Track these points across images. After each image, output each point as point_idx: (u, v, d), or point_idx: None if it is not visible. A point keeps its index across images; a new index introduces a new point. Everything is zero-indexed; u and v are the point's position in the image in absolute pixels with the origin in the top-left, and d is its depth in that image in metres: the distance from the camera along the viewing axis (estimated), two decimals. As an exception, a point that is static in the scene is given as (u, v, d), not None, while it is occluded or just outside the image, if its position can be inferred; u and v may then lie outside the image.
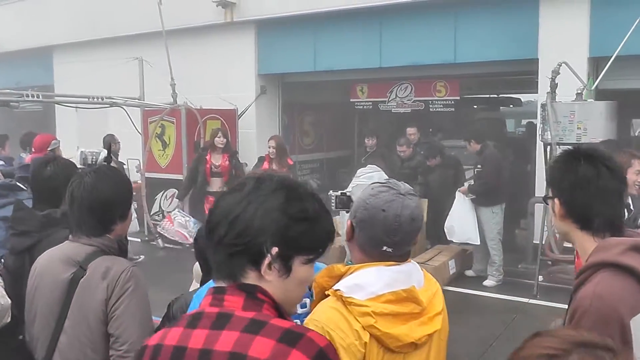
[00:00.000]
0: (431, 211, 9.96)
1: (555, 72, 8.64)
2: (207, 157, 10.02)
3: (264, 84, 13.30)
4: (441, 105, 12.48)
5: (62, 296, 2.69)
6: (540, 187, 10.06)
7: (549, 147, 8.79)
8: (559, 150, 8.54)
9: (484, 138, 9.79)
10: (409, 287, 2.26)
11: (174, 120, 11.76)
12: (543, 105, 8.77)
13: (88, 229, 2.77)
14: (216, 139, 10.02)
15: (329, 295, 2.26)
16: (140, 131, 11.92)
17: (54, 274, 2.74)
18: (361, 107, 13.59)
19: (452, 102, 12.38)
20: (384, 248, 2.28)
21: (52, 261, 2.79)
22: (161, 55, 11.79)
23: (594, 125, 8.37)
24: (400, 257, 2.33)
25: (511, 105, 17.20)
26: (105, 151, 3.92)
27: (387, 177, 9.30)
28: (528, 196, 11.51)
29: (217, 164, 10.00)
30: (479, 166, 9.56)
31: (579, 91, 8.76)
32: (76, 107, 12.27)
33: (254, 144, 12.81)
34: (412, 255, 2.44)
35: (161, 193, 11.91)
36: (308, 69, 12.63)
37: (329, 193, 2.81)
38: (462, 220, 9.39)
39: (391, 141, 12.46)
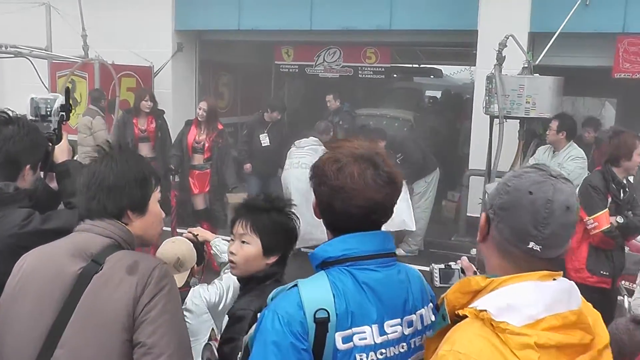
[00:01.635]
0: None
1: (502, 45, 8.66)
2: (134, 121, 9.37)
3: (181, 40, 12.66)
4: (371, 72, 12.37)
5: (62, 296, 2.15)
6: (476, 159, 10.14)
7: (494, 120, 8.85)
8: (505, 123, 8.63)
9: (382, 134, 9.75)
10: (576, 309, 1.80)
11: (86, 76, 11.03)
12: (489, 78, 8.77)
13: (105, 214, 2.29)
14: (142, 102, 9.33)
15: (464, 316, 1.80)
16: (47, 86, 11.08)
17: (53, 268, 2.21)
18: (286, 70, 13.27)
19: (382, 70, 12.28)
20: (531, 244, 1.81)
21: (52, 254, 2.27)
22: (71, 2, 10.98)
23: (542, 100, 8.45)
24: (550, 263, 1.87)
25: (431, 76, 17.35)
26: (62, 97, 3.32)
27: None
28: (458, 168, 11.67)
29: (143, 128, 9.37)
30: (398, 156, 9.45)
31: (525, 65, 8.83)
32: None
33: (169, 106, 12.17)
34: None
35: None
36: (231, 27, 12.10)
37: (430, 266, 2.39)
38: (399, 211, 9.30)
39: (316, 107, 12.29)
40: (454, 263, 2.42)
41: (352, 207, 2.02)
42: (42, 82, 10.82)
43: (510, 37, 8.69)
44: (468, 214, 10.18)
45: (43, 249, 2.31)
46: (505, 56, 8.64)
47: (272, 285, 2.58)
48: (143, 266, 2.18)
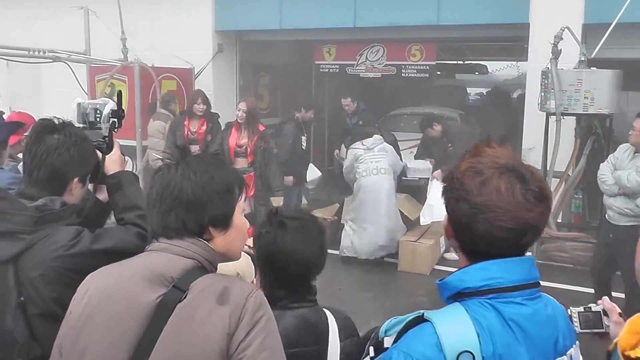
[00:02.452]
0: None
1: (558, 37, 8.29)
2: (185, 123, 9.19)
3: (221, 41, 12.46)
4: (414, 71, 12.03)
5: (139, 329, 1.82)
6: (530, 159, 9.69)
7: (550, 117, 8.47)
8: (564, 120, 8.24)
9: (440, 119, 9.41)
10: None
11: (126, 79, 10.84)
12: (545, 73, 8.38)
13: (184, 231, 1.95)
14: (195, 105, 9.21)
15: (636, 358, 1.61)
16: (86, 91, 10.94)
17: (126, 295, 1.88)
18: (326, 70, 12.99)
19: (427, 68, 11.93)
20: None
21: (123, 277, 1.93)
22: (110, 5, 10.83)
23: (601, 95, 8.04)
24: None
25: (476, 73, 16.96)
26: (112, 102, 3.01)
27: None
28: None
29: (193, 130, 9.20)
30: (450, 145, 9.13)
31: (582, 58, 8.43)
32: (11, 60, 11.04)
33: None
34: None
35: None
36: (272, 26, 11.86)
37: (569, 310, 2.04)
38: (439, 197, 8.94)
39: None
40: (594, 305, 2.13)
41: (498, 229, 1.70)
42: (81, 87, 10.68)
43: (565, 29, 8.30)
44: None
45: (112, 270, 1.98)
46: (561, 49, 8.26)
47: None
48: (235, 294, 1.85)
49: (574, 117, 8.51)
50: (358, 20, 11.18)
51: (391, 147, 8.85)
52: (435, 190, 8.91)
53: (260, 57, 13.59)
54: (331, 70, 13.00)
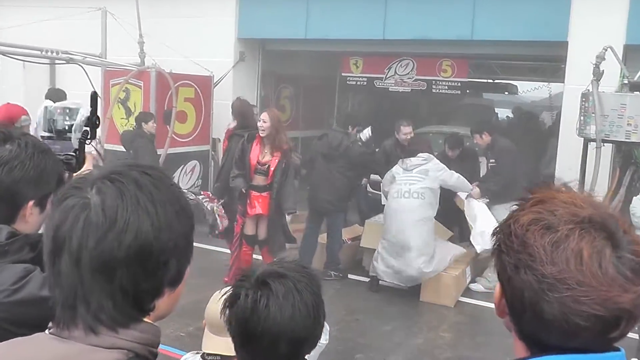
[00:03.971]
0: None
1: (601, 58, 7.76)
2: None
3: (243, 49, 12.03)
4: (445, 87, 11.55)
5: None
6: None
7: (589, 143, 7.90)
8: (603, 148, 7.68)
9: (493, 129, 8.83)
10: None
11: (142, 85, 10.42)
12: (585, 95, 7.81)
13: (106, 316, 1.24)
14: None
15: None
16: (101, 95, 10.51)
17: None
18: (354, 82, 12.52)
19: (458, 84, 11.43)
20: None
21: None
22: (128, 7, 10.47)
23: (645, 123, 7.48)
24: None
25: (506, 92, 16.42)
26: (88, 108, 2.44)
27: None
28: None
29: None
30: (492, 161, 8.55)
31: (625, 82, 7.88)
32: (22, 60, 10.66)
33: (229, 118, 11.54)
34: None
35: (123, 168, 10.56)
36: (297, 35, 11.40)
37: None
38: (488, 224, 8.38)
39: (384, 123, 11.52)
40: None
41: (578, 315, 1.16)
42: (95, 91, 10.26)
43: (609, 49, 7.76)
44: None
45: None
46: (603, 71, 7.71)
47: None
48: None
49: (612, 145, 7.93)
50: (387, 33, 10.68)
51: (437, 167, 8.13)
52: (481, 214, 8.34)
53: (284, 67, 13.19)
54: (358, 83, 12.55)
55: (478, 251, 8.35)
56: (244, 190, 7.56)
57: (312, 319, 1.93)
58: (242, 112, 8.46)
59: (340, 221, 8.74)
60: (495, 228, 1.32)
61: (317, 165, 8.60)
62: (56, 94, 9.22)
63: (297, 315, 1.87)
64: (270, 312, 1.84)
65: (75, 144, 2.40)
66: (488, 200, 8.45)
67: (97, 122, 2.41)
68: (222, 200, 8.21)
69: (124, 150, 9.40)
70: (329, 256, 8.69)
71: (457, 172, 8.91)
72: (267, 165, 7.59)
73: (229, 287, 2.05)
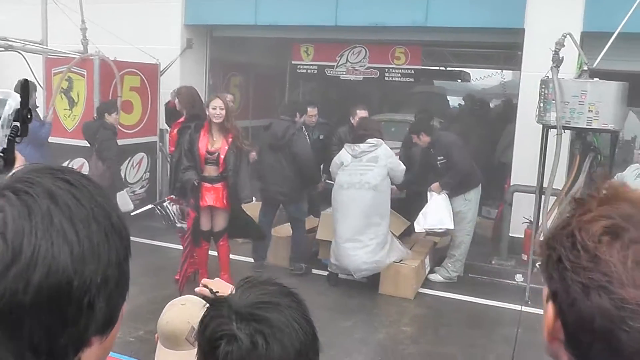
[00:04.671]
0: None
1: (560, 44, 7.65)
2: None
3: (190, 36, 11.62)
4: (398, 75, 11.34)
5: None
6: (520, 173, 9.13)
7: (549, 130, 7.79)
8: (564, 135, 7.58)
9: (431, 129, 8.61)
10: None
11: (85, 73, 9.95)
12: (545, 82, 7.69)
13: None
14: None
15: None
16: (42, 85, 10.03)
17: None
18: (304, 70, 12.22)
19: (412, 72, 11.23)
20: None
21: None
22: (69, -8, 9.96)
23: (606, 109, 7.37)
24: None
25: (458, 80, 16.32)
26: (17, 97, 2.05)
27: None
28: (497, 182, 10.60)
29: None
30: (440, 158, 8.33)
31: (585, 68, 7.77)
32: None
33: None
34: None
35: (66, 162, 9.99)
36: (247, 22, 11.05)
37: None
38: (436, 210, 8.24)
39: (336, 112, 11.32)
40: None
41: None
42: (36, 80, 9.77)
43: (567, 36, 7.64)
44: (511, 234, 9.11)
45: None
46: (563, 57, 7.59)
47: None
48: None
49: (570, 132, 7.87)
50: (339, 19, 10.42)
51: (386, 153, 7.90)
52: (433, 202, 8.19)
53: (233, 55, 12.81)
54: (309, 71, 12.27)
55: (416, 230, 8.29)
56: (196, 183, 7.16)
57: (314, 351, 1.58)
58: (192, 101, 7.99)
59: (299, 211, 8.49)
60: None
61: (265, 156, 8.30)
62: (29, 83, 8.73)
63: (302, 348, 1.53)
64: (274, 352, 1.48)
65: (2, 142, 2.04)
66: (447, 192, 8.29)
67: (29, 116, 2.03)
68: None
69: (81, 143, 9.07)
70: (294, 249, 8.45)
71: (422, 163, 8.74)
72: (216, 154, 7.24)
73: (203, 313, 1.69)
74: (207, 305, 1.73)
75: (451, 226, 8.18)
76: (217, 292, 2.77)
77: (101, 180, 8.70)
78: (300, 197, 8.52)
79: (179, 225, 7.44)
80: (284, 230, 8.78)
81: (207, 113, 7.23)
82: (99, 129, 8.84)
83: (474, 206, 8.43)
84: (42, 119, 9.18)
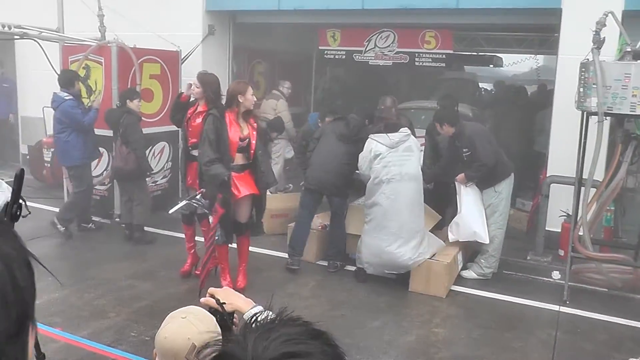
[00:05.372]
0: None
1: (601, 24, 7.15)
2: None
3: (212, 22, 11.27)
4: (429, 59, 10.89)
5: None
6: (557, 163, 8.66)
7: (590, 117, 7.31)
8: (606, 122, 7.10)
9: (456, 117, 8.14)
10: None
11: (102, 61, 9.66)
12: (584, 65, 7.20)
13: None
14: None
15: None
16: (59, 72, 9.73)
17: None
18: (331, 56, 11.82)
19: (443, 57, 10.77)
20: None
21: None
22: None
23: (651, 93, 6.88)
24: None
25: (490, 65, 15.82)
26: (7, 192, 1.68)
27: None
28: (532, 172, 10.16)
29: None
30: (465, 150, 7.88)
31: (628, 49, 7.25)
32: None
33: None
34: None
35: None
36: (270, 7, 10.66)
37: None
38: (468, 217, 7.81)
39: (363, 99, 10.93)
40: None
41: None
42: (53, 68, 9.54)
43: (609, 15, 7.14)
44: (547, 229, 8.66)
45: None
46: (604, 38, 7.09)
47: None
48: None
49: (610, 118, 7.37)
50: (366, 2, 10.01)
51: (417, 142, 7.57)
52: (465, 205, 7.78)
53: (257, 41, 12.49)
54: (337, 57, 11.83)
55: (450, 240, 7.90)
56: (226, 178, 6.68)
57: None
58: (217, 88, 7.54)
59: (343, 206, 8.13)
60: None
61: (325, 145, 7.97)
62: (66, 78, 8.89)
63: None
64: None
65: None
66: (473, 184, 7.87)
67: (19, 212, 1.65)
68: None
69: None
70: (336, 245, 8.12)
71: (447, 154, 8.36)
72: (247, 140, 6.90)
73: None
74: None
75: (487, 241, 7.80)
76: (224, 302, 2.40)
77: (125, 164, 8.47)
78: (348, 193, 8.21)
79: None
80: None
81: (240, 100, 6.81)
82: (122, 115, 8.66)
83: (506, 198, 7.96)
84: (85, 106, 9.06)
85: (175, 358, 2.33)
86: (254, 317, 1.25)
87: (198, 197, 6.94)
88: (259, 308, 2.40)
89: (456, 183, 7.91)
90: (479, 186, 7.89)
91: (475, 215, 7.81)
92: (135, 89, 9.35)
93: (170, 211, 7.19)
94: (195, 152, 7.14)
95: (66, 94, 8.71)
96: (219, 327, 2.43)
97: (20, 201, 1.53)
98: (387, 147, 7.34)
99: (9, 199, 1.67)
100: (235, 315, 2.49)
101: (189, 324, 2.35)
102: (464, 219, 7.79)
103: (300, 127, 10.67)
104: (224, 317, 2.48)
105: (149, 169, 9.03)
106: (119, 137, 8.70)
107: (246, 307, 2.42)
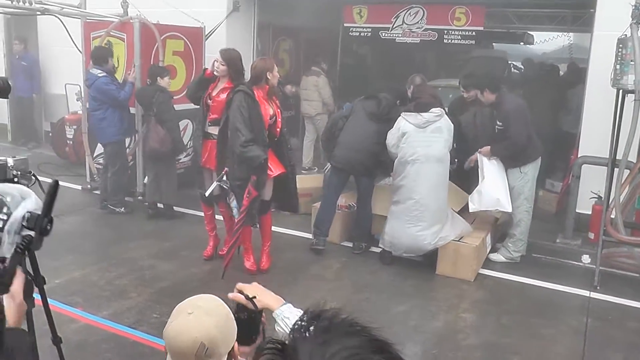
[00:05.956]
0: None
1: (644, -3, 6.87)
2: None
3: (237, -2, 11.10)
4: (458, 37, 10.65)
5: None
6: (589, 144, 8.43)
7: (626, 95, 7.06)
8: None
9: (498, 86, 7.84)
10: None
11: (125, 37, 9.52)
12: (622, 41, 6.95)
13: None
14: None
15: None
16: (81, 49, 9.66)
17: None
18: (357, 33, 11.60)
19: (473, 34, 10.52)
20: None
21: None
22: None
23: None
24: None
25: (521, 43, 15.51)
26: (35, 200, 1.52)
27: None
28: (562, 153, 9.91)
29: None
30: (499, 123, 7.62)
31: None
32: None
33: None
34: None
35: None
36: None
37: None
38: (491, 185, 7.59)
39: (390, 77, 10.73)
40: None
41: None
42: (75, 44, 9.43)
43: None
44: (577, 211, 8.42)
45: None
46: (644, 13, 6.83)
47: None
48: None
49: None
50: (396, -23, 9.78)
51: (449, 123, 7.34)
52: (488, 174, 7.56)
53: (282, 18, 12.28)
54: (362, 34, 11.61)
55: (470, 210, 7.64)
56: (262, 161, 6.49)
57: None
58: (239, 65, 7.35)
59: (370, 187, 7.94)
60: None
61: (356, 123, 7.75)
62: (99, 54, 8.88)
63: None
64: None
65: (5, 250, 1.55)
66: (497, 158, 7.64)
67: (49, 226, 1.54)
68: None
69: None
70: (362, 226, 7.98)
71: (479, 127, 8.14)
72: (274, 118, 6.77)
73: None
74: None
75: (509, 209, 7.56)
76: (254, 297, 2.27)
77: (161, 145, 8.37)
78: (375, 173, 8.02)
79: (234, 202, 6.88)
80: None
81: (269, 77, 6.66)
82: (155, 92, 8.58)
83: (531, 181, 7.68)
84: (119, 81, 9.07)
85: (184, 357, 2.20)
86: (301, 322, 1.12)
87: (224, 178, 6.80)
88: (289, 306, 2.27)
89: (478, 155, 7.68)
90: (504, 163, 7.65)
91: (498, 183, 7.58)
92: (165, 67, 9.25)
93: (206, 193, 7.05)
94: (212, 129, 6.99)
95: (99, 71, 8.66)
96: (231, 317, 2.29)
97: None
98: (415, 126, 7.14)
99: (34, 209, 1.55)
100: (262, 312, 2.36)
101: (196, 321, 2.21)
102: (486, 186, 7.52)
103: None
104: (252, 315, 2.35)
105: (184, 149, 8.98)
106: (153, 116, 8.61)
107: (276, 304, 2.29)
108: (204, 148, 7.09)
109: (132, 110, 9.25)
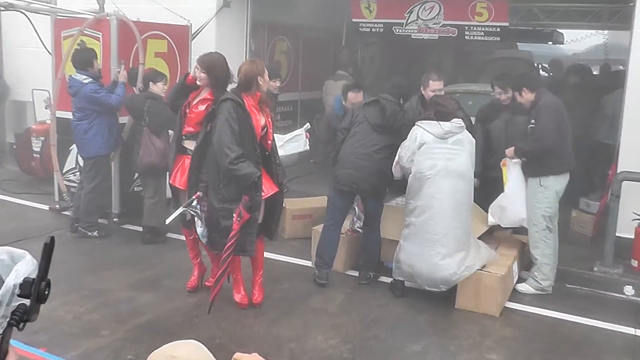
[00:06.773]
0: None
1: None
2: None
3: (227, -6, 11.14)
4: (481, 33, 10.70)
5: None
6: (630, 157, 8.38)
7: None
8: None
9: (537, 83, 7.77)
10: None
11: (100, 36, 9.46)
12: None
13: None
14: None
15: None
16: (50, 50, 9.65)
17: None
18: (368, 29, 11.62)
19: (497, 30, 10.53)
20: None
21: None
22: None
23: None
24: None
25: (549, 42, 15.50)
26: (30, 263, 1.40)
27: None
28: (599, 168, 9.81)
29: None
30: (532, 121, 7.49)
31: None
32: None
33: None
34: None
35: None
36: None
37: None
38: (517, 200, 7.46)
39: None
40: None
41: None
42: (43, 44, 9.40)
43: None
44: (618, 234, 8.29)
45: None
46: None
47: None
48: None
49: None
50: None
51: (470, 137, 7.19)
52: (513, 184, 7.46)
53: (279, 15, 12.37)
54: (374, 30, 11.68)
55: (488, 224, 7.61)
56: (256, 179, 6.31)
57: None
58: (221, 72, 7.20)
59: (379, 209, 7.81)
60: None
61: (360, 137, 7.60)
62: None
63: None
64: None
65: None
66: (522, 160, 7.50)
67: (47, 292, 1.46)
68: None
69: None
70: (370, 252, 7.85)
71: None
72: (265, 130, 6.61)
73: None
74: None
75: None
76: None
77: (161, 159, 8.19)
78: (385, 193, 7.88)
79: (201, 229, 6.74)
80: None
81: (260, 83, 6.51)
82: (146, 100, 8.53)
83: (552, 197, 7.46)
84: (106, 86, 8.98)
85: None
86: None
87: (194, 203, 6.65)
88: None
89: (508, 161, 7.58)
90: (524, 170, 7.53)
91: (522, 197, 7.48)
92: (161, 72, 9.18)
93: (167, 221, 6.90)
94: (188, 144, 6.87)
95: (84, 77, 8.58)
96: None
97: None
98: (435, 136, 6.99)
99: (30, 273, 1.49)
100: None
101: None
102: (509, 200, 7.45)
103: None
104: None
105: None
106: (145, 126, 8.50)
107: None
108: (176, 164, 6.96)
109: (122, 120, 9.20)
